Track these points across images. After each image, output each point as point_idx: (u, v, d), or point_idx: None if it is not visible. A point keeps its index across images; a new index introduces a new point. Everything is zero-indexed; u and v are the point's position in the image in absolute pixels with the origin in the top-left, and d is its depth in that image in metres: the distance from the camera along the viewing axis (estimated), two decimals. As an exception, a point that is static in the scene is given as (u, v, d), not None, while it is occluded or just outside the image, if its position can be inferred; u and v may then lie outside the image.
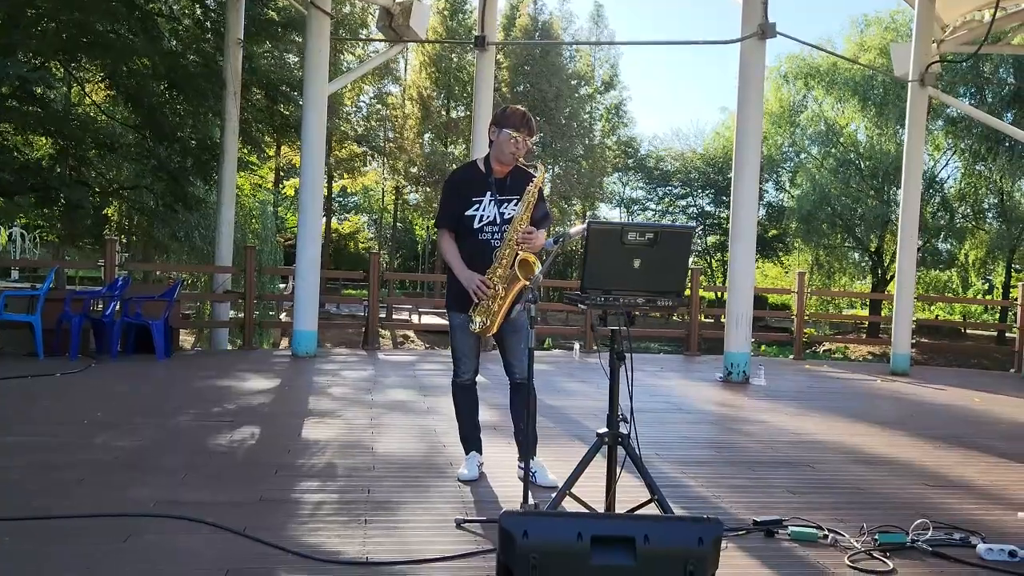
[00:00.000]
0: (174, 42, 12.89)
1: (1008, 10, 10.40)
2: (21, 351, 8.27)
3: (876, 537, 3.23)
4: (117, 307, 8.44)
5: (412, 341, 22.98)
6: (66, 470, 3.92)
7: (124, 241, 18.00)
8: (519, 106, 3.94)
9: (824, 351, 24.38)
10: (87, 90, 14.83)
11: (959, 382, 9.51)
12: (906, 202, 10.15)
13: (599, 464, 3.25)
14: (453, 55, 31.56)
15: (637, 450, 3.13)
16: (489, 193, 3.78)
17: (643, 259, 3.00)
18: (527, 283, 3.48)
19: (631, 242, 2.98)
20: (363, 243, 43.39)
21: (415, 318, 22.19)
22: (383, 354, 10.23)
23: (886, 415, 6.77)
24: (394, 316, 22.36)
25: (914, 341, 10.98)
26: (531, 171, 3.73)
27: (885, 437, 5.69)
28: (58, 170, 12.14)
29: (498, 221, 3.76)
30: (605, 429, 3.17)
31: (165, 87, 12.18)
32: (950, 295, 28.77)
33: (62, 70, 13.10)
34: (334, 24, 20.59)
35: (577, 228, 3.24)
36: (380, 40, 11.30)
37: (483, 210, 3.78)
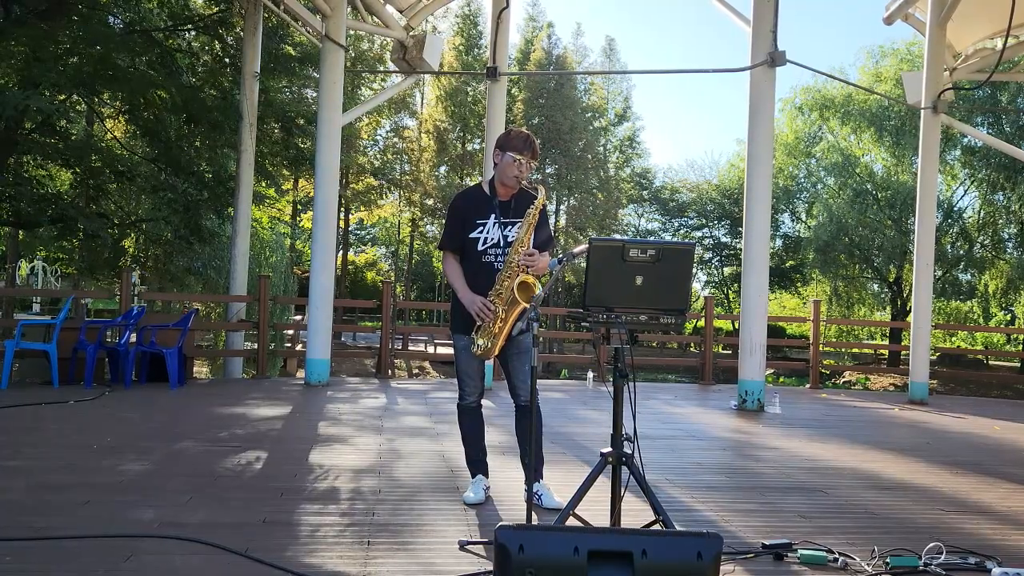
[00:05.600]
0: (192, 78, 13.12)
1: (1020, 37, 10.41)
2: (37, 379, 8.35)
3: (887, 560, 3.15)
4: (132, 336, 8.50)
5: (428, 372, 22.94)
6: (71, 492, 3.92)
7: (140, 274, 18.20)
8: (523, 129, 3.96)
9: (844, 382, 24.06)
10: (107, 125, 15.10)
11: (979, 410, 9.36)
12: (921, 229, 10.10)
13: (604, 487, 3.21)
14: (469, 89, 31.91)
15: (641, 470, 3.09)
16: (493, 215, 3.79)
17: (645, 276, 2.99)
18: (527, 306, 3.46)
19: (633, 259, 2.97)
20: (380, 275, 43.61)
21: (431, 348, 22.17)
22: (397, 383, 10.21)
23: (902, 442, 6.65)
24: (410, 347, 22.37)
25: (934, 371, 10.83)
26: (533, 193, 3.74)
27: (901, 463, 5.59)
28: (78, 202, 12.33)
29: (502, 243, 3.77)
30: (609, 449, 3.13)
31: (183, 120, 12.37)
32: (971, 325, 28.40)
33: (83, 104, 13.35)
34: (351, 59, 20.93)
35: (580, 247, 3.23)
36: (395, 72, 11.45)
37: (487, 232, 3.79)
